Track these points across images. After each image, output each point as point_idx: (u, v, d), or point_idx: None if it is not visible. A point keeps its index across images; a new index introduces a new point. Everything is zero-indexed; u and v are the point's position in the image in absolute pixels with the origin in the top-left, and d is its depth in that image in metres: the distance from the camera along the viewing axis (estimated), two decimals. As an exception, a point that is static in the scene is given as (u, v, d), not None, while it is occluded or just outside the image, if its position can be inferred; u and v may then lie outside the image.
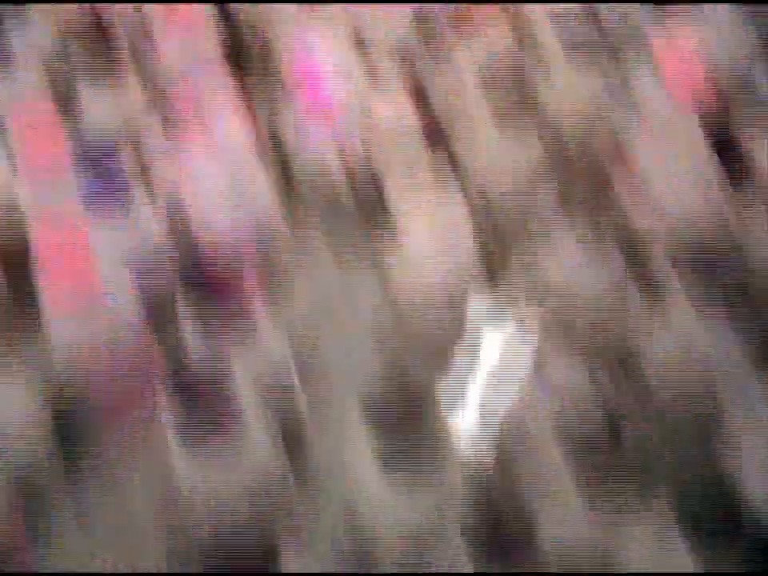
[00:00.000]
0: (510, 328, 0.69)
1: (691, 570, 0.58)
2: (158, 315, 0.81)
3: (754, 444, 0.67)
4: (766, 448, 0.66)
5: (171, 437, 0.65)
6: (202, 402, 0.64)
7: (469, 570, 0.57)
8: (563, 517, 0.63)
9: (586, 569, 0.64)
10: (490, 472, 0.73)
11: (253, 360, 0.71)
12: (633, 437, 0.63)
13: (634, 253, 0.82)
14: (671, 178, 0.84)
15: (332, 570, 0.70)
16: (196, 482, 0.67)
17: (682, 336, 0.73)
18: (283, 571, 0.57)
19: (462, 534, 0.58)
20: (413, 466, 0.64)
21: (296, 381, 0.76)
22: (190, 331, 0.71)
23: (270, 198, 0.88)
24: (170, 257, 0.85)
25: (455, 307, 0.81)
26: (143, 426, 0.77)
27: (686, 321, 0.72)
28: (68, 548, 0.74)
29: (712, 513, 0.58)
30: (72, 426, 0.78)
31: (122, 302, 0.78)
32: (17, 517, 0.73)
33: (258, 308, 0.73)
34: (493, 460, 0.74)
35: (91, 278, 0.74)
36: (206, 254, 0.79)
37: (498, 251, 0.87)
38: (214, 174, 0.87)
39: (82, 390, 0.78)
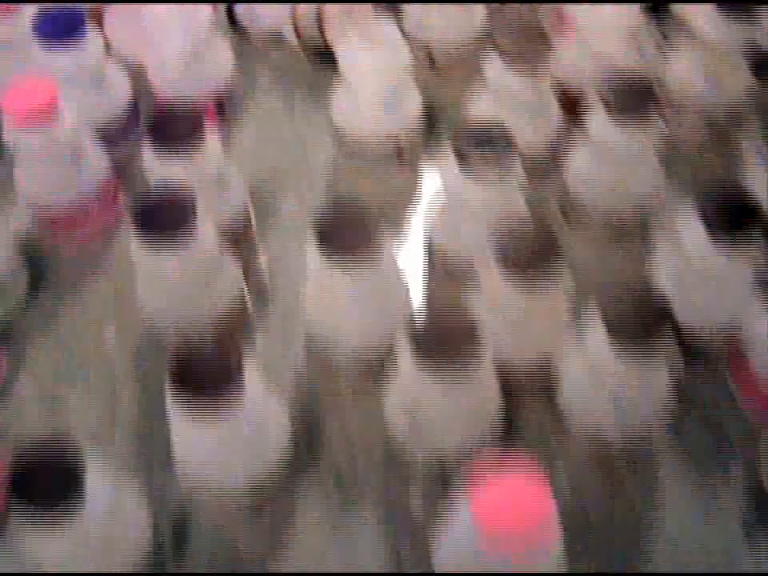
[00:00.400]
0: (449, 160, 0.74)
1: (611, 364, 0.64)
2: (118, 148, 0.86)
3: (674, 257, 0.74)
4: (682, 259, 0.72)
5: (133, 250, 0.70)
6: (162, 224, 0.69)
7: (414, 368, 0.63)
8: (502, 325, 0.69)
9: (522, 370, 0.71)
10: (431, 282, 0.80)
11: (212, 192, 0.76)
12: (563, 254, 0.68)
13: (567, 97, 0.87)
14: (605, 33, 0.89)
15: (293, 386, 0.77)
16: (155, 292, 0.73)
17: (609, 160, 0.79)
18: (245, 383, 0.62)
19: (409, 340, 0.63)
20: (363, 284, 0.69)
21: (252, 214, 0.82)
22: (150, 163, 0.76)
23: (226, 57, 0.92)
24: (131, 106, 0.89)
25: (398, 146, 0.86)
26: (107, 243, 0.83)
27: (612, 148, 0.78)
28: (41, 367, 0.79)
29: (635, 319, 0.64)
30: (38, 254, 0.83)
31: (83, 137, 0.82)
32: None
33: (215, 146, 0.77)
34: (432, 270, 0.80)
35: (54, 114, 0.77)
36: (166, 104, 0.82)
37: (440, 98, 0.92)
38: (173, 37, 0.90)
39: (49, 219, 0.82)
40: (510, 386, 0.70)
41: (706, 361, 0.75)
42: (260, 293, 0.81)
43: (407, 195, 0.86)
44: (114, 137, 0.89)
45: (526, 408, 0.74)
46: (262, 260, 0.84)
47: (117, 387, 0.78)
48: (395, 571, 0.68)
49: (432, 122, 0.90)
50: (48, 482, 0.58)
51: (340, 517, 0.71)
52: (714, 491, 0.71)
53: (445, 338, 0.63)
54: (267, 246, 0.85)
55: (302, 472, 0.72)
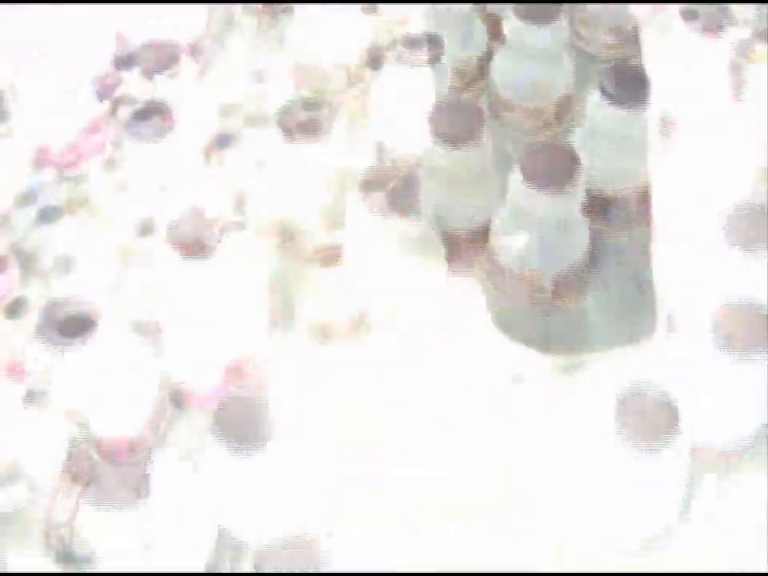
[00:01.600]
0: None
1: (531, 206, 0.76)
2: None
3: (583, 129, 0.87)
4: (589, 127, 0.85)
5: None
6: (145, 123, 0.82)
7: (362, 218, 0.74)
8: (440, 187, 0.82)
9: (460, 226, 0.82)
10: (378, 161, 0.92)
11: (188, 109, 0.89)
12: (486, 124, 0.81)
13: (491, 21, 1.01)
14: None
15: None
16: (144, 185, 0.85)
17: (526, 61, 0.92)
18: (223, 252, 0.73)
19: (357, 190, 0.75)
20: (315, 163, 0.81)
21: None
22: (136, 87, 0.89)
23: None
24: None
25: (348, 73, 0.99)
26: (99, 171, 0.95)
27: (527, 49, 0.91)
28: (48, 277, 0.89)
29: (548, 168, 0.77)
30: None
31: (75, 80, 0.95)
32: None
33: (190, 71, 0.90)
34: (380, 155, 0.92)
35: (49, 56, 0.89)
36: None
37: (383, 35, 1.05)
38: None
39: (47, 156, 0.95)
40: (450, 239, 0.82)
41: (619, 213, 0.88)
42: (234, 200, 0.94)
43: (358, 104, 0.98)
44: (101, 93, 1.01)
45: (466, 257, 0.86)
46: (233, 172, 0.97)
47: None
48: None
49: (377, 54, 1.03)
50: (69, 321, 0.71)
51: (316, 365, 0.82)
52: (633, 317, 0.83)
53: (387, 187, 0.75)
54: (237, 162, 0.97)
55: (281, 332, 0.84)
